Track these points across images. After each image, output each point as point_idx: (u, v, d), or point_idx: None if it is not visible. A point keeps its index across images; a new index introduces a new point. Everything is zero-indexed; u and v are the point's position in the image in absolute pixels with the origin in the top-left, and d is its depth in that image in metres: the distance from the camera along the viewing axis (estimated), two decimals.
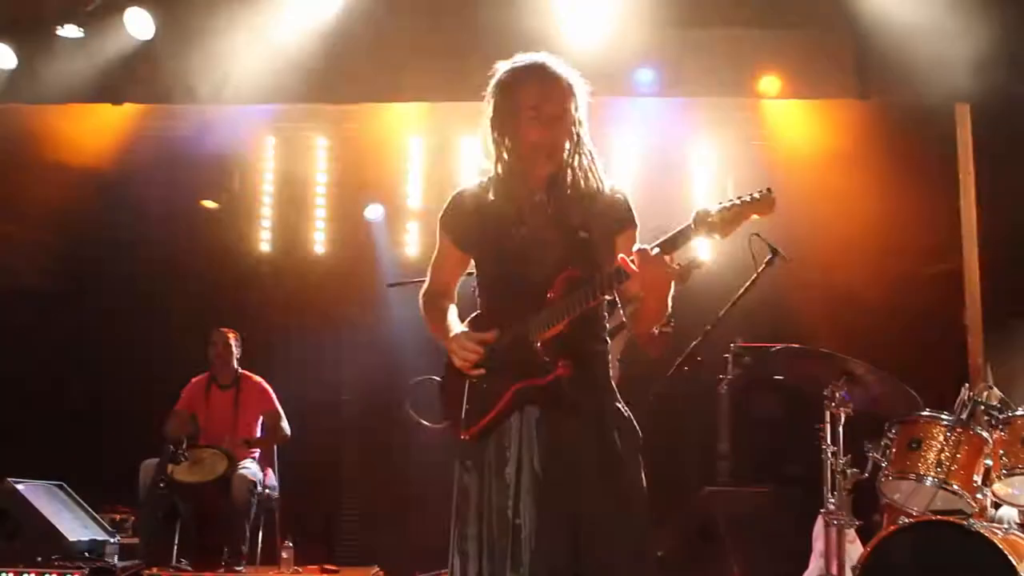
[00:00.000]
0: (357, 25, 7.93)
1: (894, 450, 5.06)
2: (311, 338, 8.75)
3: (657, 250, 3.15)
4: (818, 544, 5.71)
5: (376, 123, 9.05)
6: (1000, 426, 4.91)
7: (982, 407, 5.01)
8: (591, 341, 3.44)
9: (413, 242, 9.03)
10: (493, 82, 3.48)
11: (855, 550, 5.26)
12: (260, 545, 7.75)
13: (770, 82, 8.33)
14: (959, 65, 7.73)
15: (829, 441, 5.15)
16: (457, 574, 3.36)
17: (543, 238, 3.40)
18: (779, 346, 5.49)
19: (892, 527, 4.89)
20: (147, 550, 7.43)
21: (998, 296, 7.80)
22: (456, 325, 3.51)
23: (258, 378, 8.10)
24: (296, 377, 8.49)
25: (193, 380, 8.10)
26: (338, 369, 8.93)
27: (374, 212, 9.11)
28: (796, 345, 5.48)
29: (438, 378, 3.60)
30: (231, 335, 8.11)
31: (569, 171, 3.43)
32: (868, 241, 7.98)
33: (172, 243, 8.81)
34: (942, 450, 4.90)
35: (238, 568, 7.33)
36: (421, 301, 3.65)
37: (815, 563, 5.78)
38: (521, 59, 3.49)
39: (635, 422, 3.43)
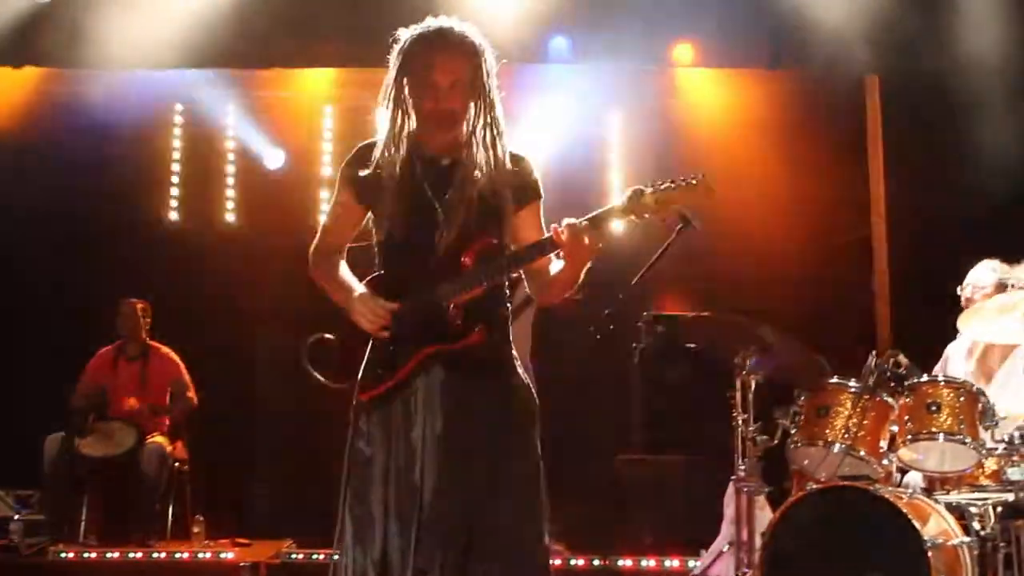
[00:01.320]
0: None
1: (803, 417, 5.11)
2: (222, 308, 8.60)
3: (586, 224, 3.18)
4: (729, 511, 5.75)
5: (288, 89, 8.89)
6: (906, 393, 4.98)
7: (888, 374, 5.07)
8: (499, 307, 3.44)
9: (323, 209, 8.90)
10: (395, 49, 3.42)
11: (765, 516, 5.30)
12: (170, 519, 7.64)
13: (683, 50, 8.36)
14: (869, 37, 7.83)
15: (739, 408, 5.19)
16: (352, 538, 3.32)
17: (451, 203, 3.35)
18: (691, 314, 5.51)
19: (800, 493, 4.95)
20: (53, 526, 7.28)
21: (905, 265, 7.93)
22: (356, 284, 3.44)
23: (167, 349, 7.96)
24: (207, 348, 8.35)
25: (100, 352, 7.93)
26: (250, 340, 8.80)
27: (276, 158, 8.97)
28: (707, 313, 5.51)
29: (331, 336, 3.53)
30: (140, 305, 7.94)
31: (473, 139, 3.39)
32: (779, 210, 8.05)
33: (76, 212, 8.55)
34: (850, 417, 4.96)
35: (148, 543, 7.21)
36: (313, 257, 3.55)
37: (726, 529, 5.82)
38: (423, 25, 3.42)
39: (533, 391, 3.44)
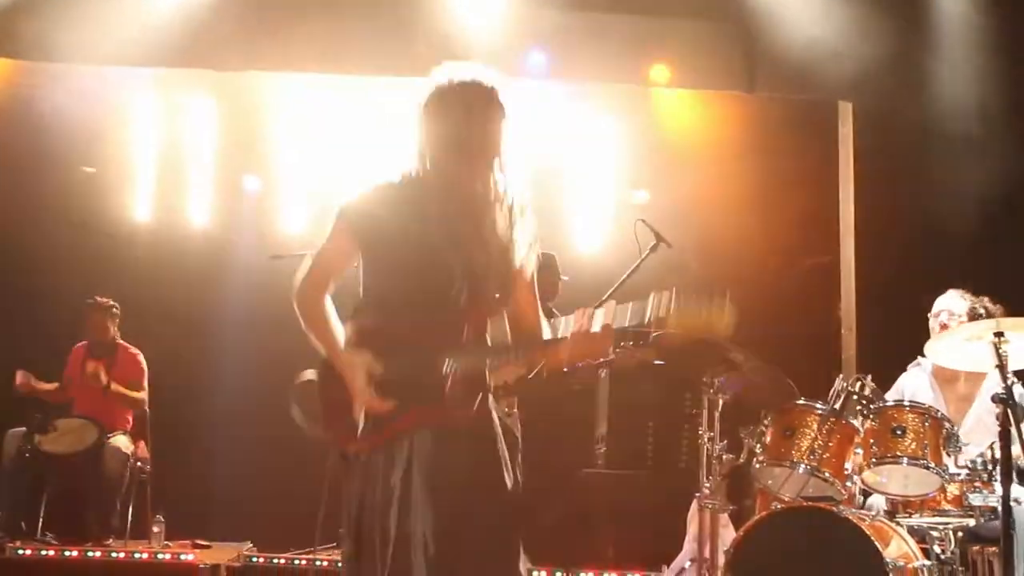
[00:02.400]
0: None
1: (769, 437, 5.15)
2: (188, 309, 8.55)
3: (608, 328, 3.16)
4: (692, 527, 5.79)
5: (259, 91, 8.83)
6: (871, 416, 5.03)
7: (855, 397, 5.12)
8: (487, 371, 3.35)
9: (292, 214, 8.85)
10: (431, 90, 3.34)
11: (728, 534, 5.35)
12: (130, 519, 7.58)
13: (660, 70, 8.43)
14: (844, 64, 7.93)
15: (706, 426, 5.22)
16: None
17: (470, 260, 3.25)
18: (660, 331, 5.53)
19: (764, 512, 4.98)
20: (10, 524, 7.20)
21: (872, 289, 8.01)
22: (343, 342, 3.30)
23: (134, 349, 7.90)
24: (172, 349, 8.30)
25: (75, 348, 7.89)
26: (215, 342, 8.75)
27: (252, 183, 8.94)
28: (676, 331, 5.53)
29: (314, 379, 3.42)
30: (107, 307, 7.87)
31: (494, 198, 3.33)
32: (749, 231, 8.12)
33: (44, 209, 8.47)
34: (815, 438, 4.99)
35: (107, 542, 7.15)
36: (302, 295, 3.37)
37: (688, 546, 5.87)
38: (464, 72, 3.36)
39: (516, 431, 3.41)
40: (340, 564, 3.36)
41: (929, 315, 5.71)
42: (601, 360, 3.16)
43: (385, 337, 3.26)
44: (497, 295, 3.29)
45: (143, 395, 7.82)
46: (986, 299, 5.58)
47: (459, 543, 3.13)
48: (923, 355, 5.53)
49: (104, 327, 7.85)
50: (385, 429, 3.21)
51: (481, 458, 3.26)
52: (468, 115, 3.29)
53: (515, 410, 6.29)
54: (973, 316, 5.50)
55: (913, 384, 5.70)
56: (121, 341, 7.93)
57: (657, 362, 5.94)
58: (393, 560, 3.11)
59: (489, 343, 3.27)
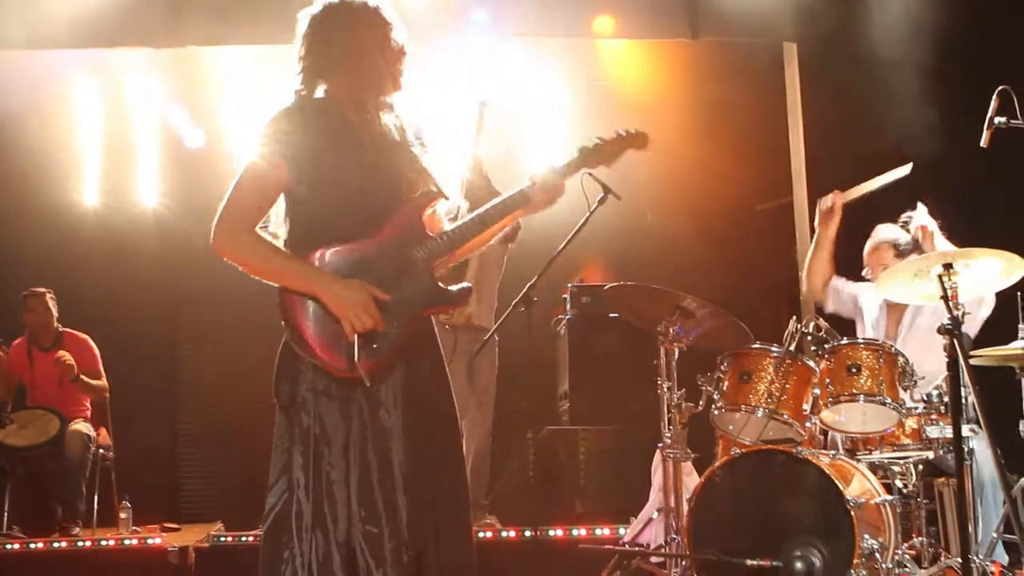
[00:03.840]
0: None
1: (726, 383, 5.14)
2: (143, 292, 8.47)
3: (555, 175, 3.46)
4: (656, 478, 5.79)
5: (199, 67, 8.70)
6: (827, 356, 5.03)
7: (809, 338, 5.12)
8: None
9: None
10: (353, 7, 3.40)
11: (693, 482, 5.34)
12: (96, 506, 7.52)
13: (604, 22, 8.36)
14: (786, 5, 7.89)
15: (664, 376, 5.21)
16: (311, 520, 3.15)
17: (396, 163, 3.35)
18: (614, 284, 5.52)
19: (725, 458, 4.98)
20: None
21: None
22: (316, 265, 3.23)
23: (81, 335, 7.76)
24: (128, 333, 8.22)
25: (15, 343, 7.74)
26: (173, 323, 8.68)
27: (186, 153, 8.82)
28: (629, 283, 5.53)
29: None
30: (47, 296, 7.73)
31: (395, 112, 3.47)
32: (701, 179, 8.10)
33: None
34: (772, 381, 4.99)
35: (74, 531, 7.10)
36: (231, 232, 3.25)
37: (654, 496, 5.86)
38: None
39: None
40: (274, 506, 3.22)
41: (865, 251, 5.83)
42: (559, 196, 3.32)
43: (345, 256, 3.23)
44: (432, 188, 3.39)
45: (102, 382, 7.70)
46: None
47: (425, 471, 3.19)
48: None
49: (47, 316, 7.71)
50: (393, 345, 3.20)
51: (440, 386, 3.35)
52: (394, 34, 3.44)
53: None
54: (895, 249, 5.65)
55: (867, 299, 5.91)
56: (65, 328, 7.79)
57: (613, 315, 5.91)
58: (371, 489, 3.14)
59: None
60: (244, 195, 3.28)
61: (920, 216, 5.70)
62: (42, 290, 7.73)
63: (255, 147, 3.29)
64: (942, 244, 5.47)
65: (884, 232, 5.89)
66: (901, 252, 5.75)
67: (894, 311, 5.83)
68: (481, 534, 6.53)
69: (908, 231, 5.76)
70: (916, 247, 5.66)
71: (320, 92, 3.38)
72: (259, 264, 3.25)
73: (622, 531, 6.15)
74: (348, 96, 3.36)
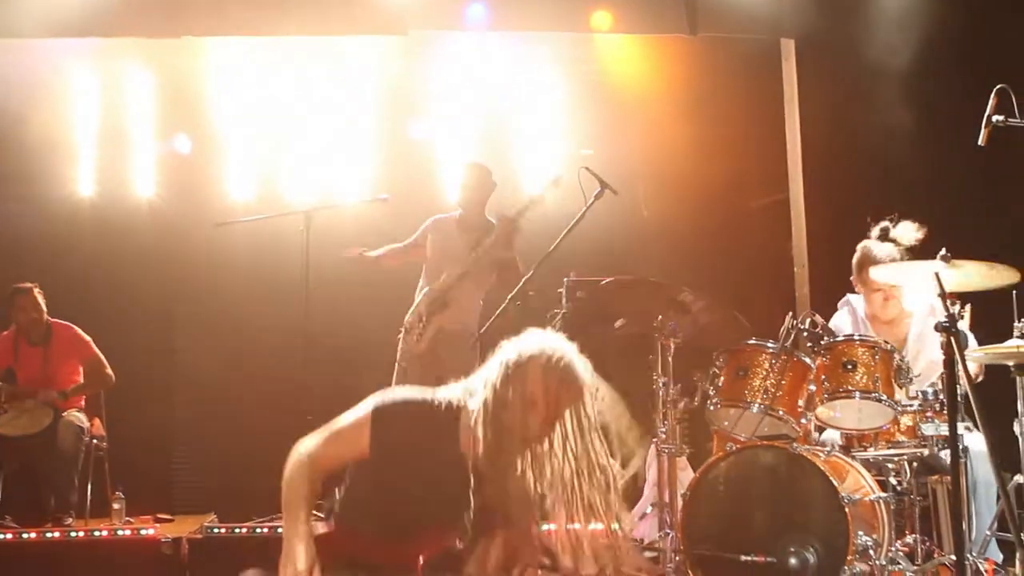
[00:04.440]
0: None
1: (722, 378, 5.15)
2: (138, 283, 8.44)
3: None
4: (651, 473, 5.81)
5: (195, 58, 8.66)
6: (822, 352, 5.04)
7: (805, 334, 5.12)
8: None
9: (236, 181, 8.71)
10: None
11: (687, 477, 5.36)
12: (90, 497, 7.50)
13: (602, 17, 8.35)
14: (784, 1, 7.90)
15: (660, 371, 5.22)
16: None
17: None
18: (610, 279, 5.52)
19: (720, 453, 4.99)
20: None
21: (822, 227, 8.02)
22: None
23: (74, 327, 7.69)
24: (123, 324, 8.20)
25: (2, 334, 7.69)
26: (168, 314, 8.66)
27: (194, 151, 8.78)
28: (626, 276, 5.53)
29: None
30: (35, 291, 7.67)
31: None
32: (699, 174, 8.08)
33: None
34: (767, 377, 5.01)
35: (67, 522, 7.08)
36: (300, 472, 3.34)
37: (648, 491, 5.88)
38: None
39: None
40: None
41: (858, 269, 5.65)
42: None
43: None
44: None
45: (108, 372, 7.61)
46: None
47: None
48: (853, 292, 5.59)
49: (36, 311, 7.64)
50: None
51: None
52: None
53: None
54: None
55: (845, 325, 5.70)
56: (55, 321, 7.74)
57: (618, 323, 5.90)
58: None
59: None
60: (330, 446, 3.40)
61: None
62: (29, 285, 7.61)
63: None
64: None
65: (872, 249, 5.57)
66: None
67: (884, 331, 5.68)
68: None
69: (894, 241, 5.50)
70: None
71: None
72: (286, 495, 3.34)
73: (615, 527, 6.14)
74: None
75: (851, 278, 5.69)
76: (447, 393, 3.35)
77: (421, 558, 3.29)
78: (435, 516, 3.31)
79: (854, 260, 5.68)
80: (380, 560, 3.27)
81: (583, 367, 3.38)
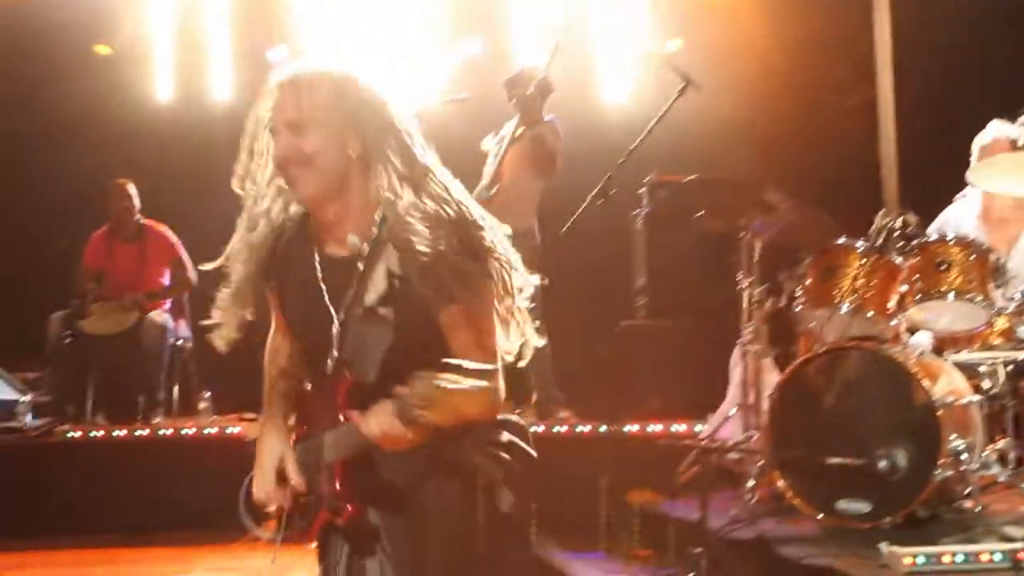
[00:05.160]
0: None
1: (809, 279, 5.02)
2: (215, 188, 8.46)
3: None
4: (735, 374, 5.72)
5: None
6: (914, 252, 4.87)
7: (896, 233, 4.96)
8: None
9: None
10: None
11: (773, 379, 5.28)
12: (177, 397, 7.64)
13: None
14: None
15: (745, 271, 5.12)
16: None
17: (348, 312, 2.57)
18: (693, 178, 5.40)
19: (807, 354, 4.89)
20: (59, 407, 7.30)
21: (913, 125, 7.78)
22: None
23: (163, 227, 7.84)
24: (202, 229, 8.23)
25: (93, 235, 7.81)
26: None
27: (278, 54, 8.71)
28: (709, 175, 5.41)
29: None
30: (129, 186, 7.78)
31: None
32: (782, 72, 7.87)
33: (63, 93, 8.33)
34: (857, 277, 4.86)
35: (155, 420, 7.23)
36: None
37: (732, 393, 5.81)
38: None
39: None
40: None
41: (975, 147, 5.44)
42: None
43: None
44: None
45: (190, 275, 7.65)
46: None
47: None
48: (969, 185, 5.33)
49: (130, 209, 7.76)
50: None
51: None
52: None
53: None
54: (1012, 146, 5.25)
55: (957, 219, 5.50)
56: (145, 221, 7.84)
57: (693, 210, 5.78)
58: None
59: None
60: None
61: None
62: (124, 181, 7.78)
63: None
64: None
65: (999, 128, 5.33)
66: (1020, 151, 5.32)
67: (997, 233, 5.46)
68: (556, 428, 6.55)
69: None
70: None
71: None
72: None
73: (699, 428, 6.12)
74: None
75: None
76: None
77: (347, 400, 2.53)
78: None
79: (979, 143, 5.36)
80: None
81: None
